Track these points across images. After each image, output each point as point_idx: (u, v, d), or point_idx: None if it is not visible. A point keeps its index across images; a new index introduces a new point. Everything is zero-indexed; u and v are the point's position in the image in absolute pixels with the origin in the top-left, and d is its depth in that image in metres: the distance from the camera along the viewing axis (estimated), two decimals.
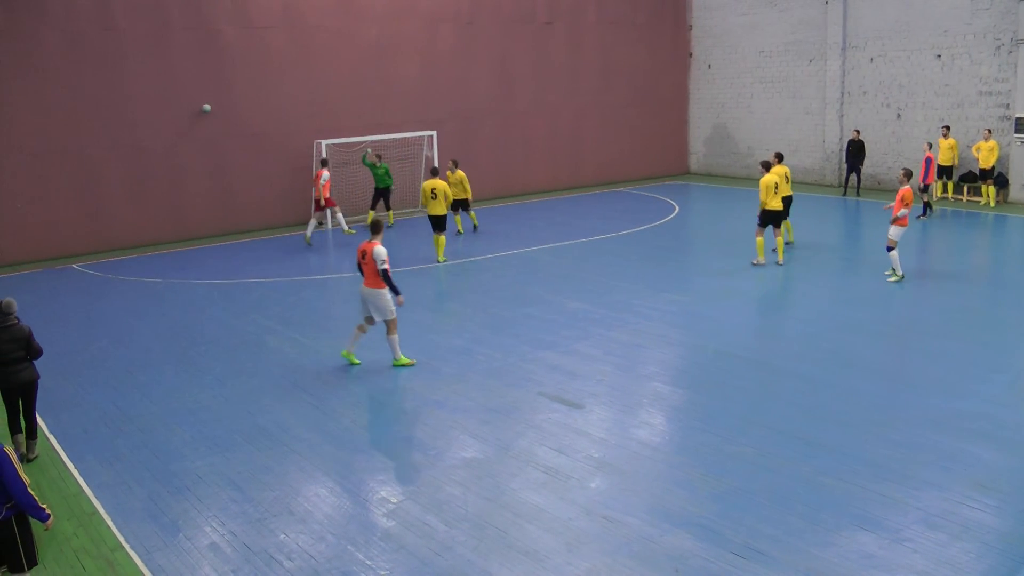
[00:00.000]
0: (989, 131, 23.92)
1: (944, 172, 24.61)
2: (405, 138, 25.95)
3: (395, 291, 12.24)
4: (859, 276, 16.91)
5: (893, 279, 16.16)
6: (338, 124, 24.90)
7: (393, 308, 12.37)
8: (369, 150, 23.71)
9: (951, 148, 24.32)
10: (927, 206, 22.63)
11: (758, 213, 17.89)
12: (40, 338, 14.50)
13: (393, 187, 23.81)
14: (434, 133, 26.16)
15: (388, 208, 23.70)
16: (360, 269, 12.44)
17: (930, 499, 8.33)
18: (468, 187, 21.78)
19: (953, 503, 8.24)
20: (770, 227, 17.91)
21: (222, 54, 23.10)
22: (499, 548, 7.79)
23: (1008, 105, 24.24)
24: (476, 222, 22.74)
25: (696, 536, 7.84)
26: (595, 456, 9.57)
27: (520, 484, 8.97)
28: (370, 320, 12.67)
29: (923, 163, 22.65)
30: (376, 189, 23.21)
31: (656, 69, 31.71)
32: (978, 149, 23.99)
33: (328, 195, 22.08)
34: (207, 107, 21.47)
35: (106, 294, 17.78)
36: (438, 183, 19.41)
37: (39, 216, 21.27)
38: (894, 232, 16.09)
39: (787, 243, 19.16)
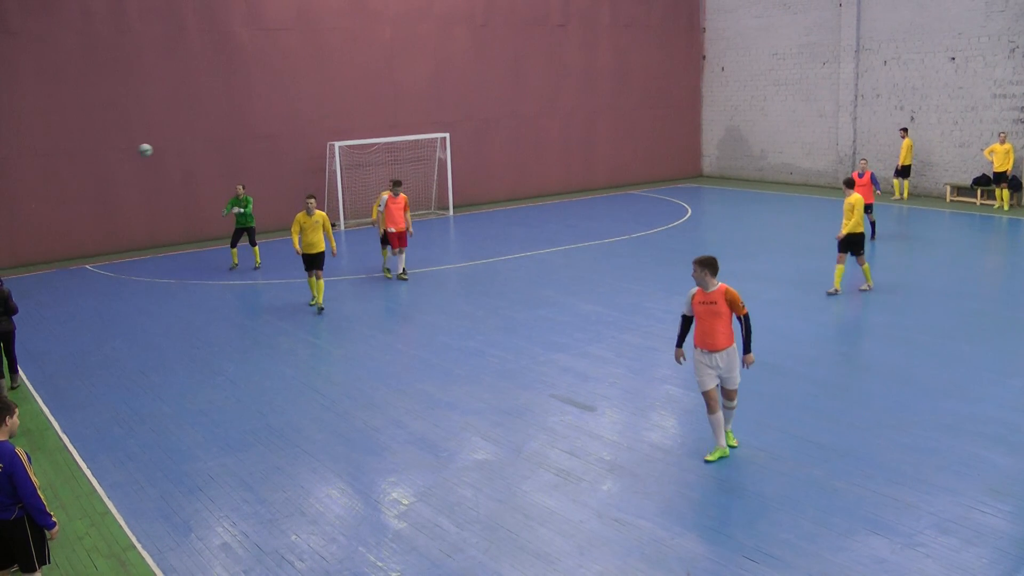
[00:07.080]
0: (1004, 134, 23.80)
1: (901, 173, 25.53)
2: (418, 140, 26.02)
3: (747, 345, 9.29)
4: (872, 278, 16.81)
5: None
6: (352, 126, 24.98)
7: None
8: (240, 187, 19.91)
9: (908, 149, 25.13)
10: (872, 226, 20.00)
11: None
12: (53, 338, 14.82)
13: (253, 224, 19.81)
14: (447, 135, 26.21)
15: (253, 244, 19.88)
16: (688, 327, 9.34)
17: (943, 504, 8.28)
18: (330, 232, 15.86)
19: (966, 508, 8.19)
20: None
21: (236, 56, 23.21)
22: (510, 550, 7.79)
23: (1023, 108, 24.10)
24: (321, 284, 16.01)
25: (708, 539, 7.82)
26: (607, 459, 9.56)
27: (532, 486, 8.97)
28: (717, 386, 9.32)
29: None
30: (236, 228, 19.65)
31: (669, 71, 31.68)
32: (991, 152, 23.88)
33: (389, 227, 17.41)
34: (146, 148, 18.32)
35: (119, 295, 17.87)
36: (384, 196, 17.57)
37: (53, 217, 21.42)
38: None
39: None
